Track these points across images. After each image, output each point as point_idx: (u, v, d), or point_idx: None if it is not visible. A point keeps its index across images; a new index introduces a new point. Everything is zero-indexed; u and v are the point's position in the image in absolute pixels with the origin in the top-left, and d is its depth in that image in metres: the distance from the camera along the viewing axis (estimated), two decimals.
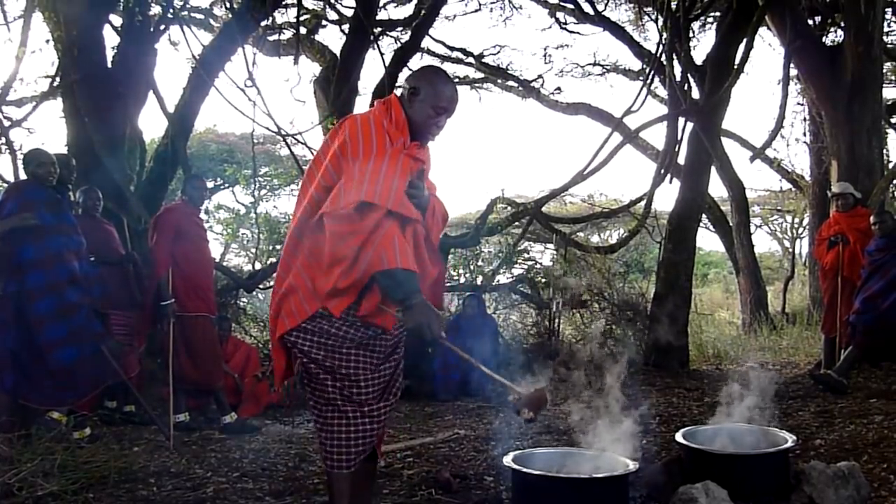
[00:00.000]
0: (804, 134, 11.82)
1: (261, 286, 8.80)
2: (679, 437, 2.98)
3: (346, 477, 2.44)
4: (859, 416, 4.56)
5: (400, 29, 11.56)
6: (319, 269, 2.33)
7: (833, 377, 5.58)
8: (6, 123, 6.92)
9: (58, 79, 7.05)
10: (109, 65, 7.02)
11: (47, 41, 7.11)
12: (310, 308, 2.36)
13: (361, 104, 9.36)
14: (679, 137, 8.11)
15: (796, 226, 19.53)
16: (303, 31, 10.21)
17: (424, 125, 2.53)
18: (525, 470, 2.44)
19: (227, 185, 17.85)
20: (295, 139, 8.70)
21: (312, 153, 10.72)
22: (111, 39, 7.25)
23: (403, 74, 12.43)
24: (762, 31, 9.83)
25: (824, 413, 4.77)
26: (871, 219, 5.91)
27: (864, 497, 2.67)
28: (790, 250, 20.13)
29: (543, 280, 8.88)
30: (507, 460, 2.53)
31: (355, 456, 2.42)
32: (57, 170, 4.43)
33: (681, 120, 8.11)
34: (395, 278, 2.21)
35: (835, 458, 3.43)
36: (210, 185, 16.01)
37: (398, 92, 2.60)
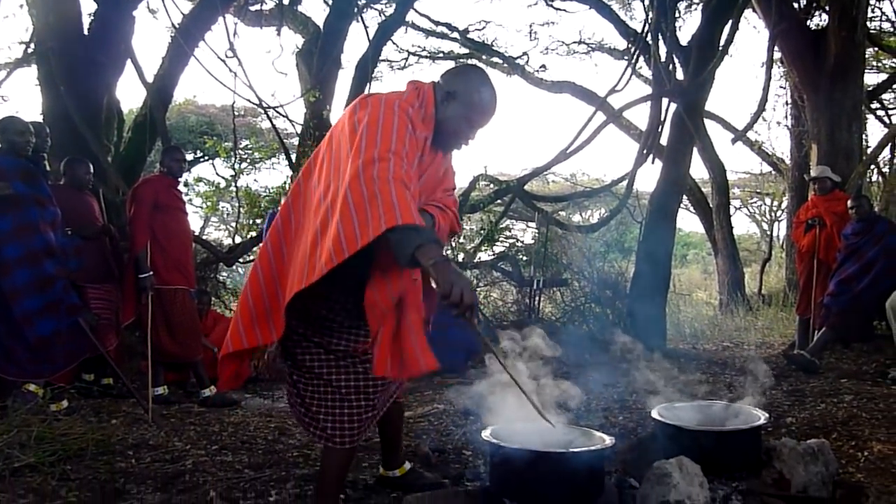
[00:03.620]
0: (785, 117, 11.92)
1: (241, 260, 8.75)
2: (655, 413, 3.02)
3: (341, 452, 2.37)
4: (830, 395, 4.66)
5: (384, 1, 11.43)
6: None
7: (806, 357, 5.69)
8: None
9: (32, 45, 6.90)
10: (86, 32, 6.87)
11: (21, 6, 6.95)
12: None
13: (344, 77, 9.26)
14: (662, 118, 8.13)
15: (775, 208, 19.75)
16: (285, 1, 10.05)
17: (453, 134, 2.30)
18: (503, 444, 2.47)
19: (206, 157, 17.66)
20: (276, 112, 8.62)
21: (294, 126, 10.65)
22: (88, 6, 7.11)
23: (387, 48, 12.31)
24: (747, 13, 9.84)
25: (796, 392, 4.86)
26: (849, 203, 5.99)
27: (833, 473, 2.73)
28: (768, 233, 20.39)
29: (524, 258, 8.92)
30: (486, 435, 2.56)
31: (350, 433, 2.35)
32: (33, 139, 4.35)
33: (664, 100, 8.12)
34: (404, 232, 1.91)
35: (805, 435, 3.50)
36: (189, 157, 15.84)
37: (434, 81, 2.32)
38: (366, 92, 9.60)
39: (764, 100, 8.18)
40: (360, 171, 1.98)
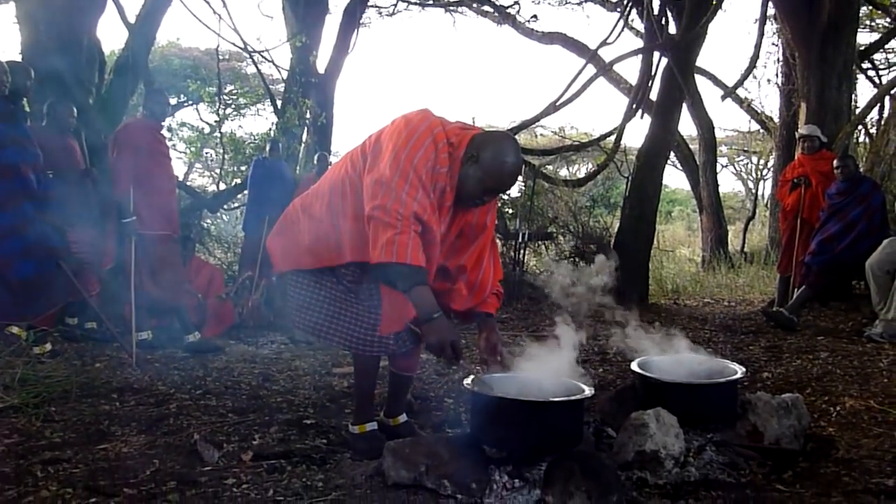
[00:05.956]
0: (776, 75, 11.85)
1: (225, 207, 8.69)
2: (634, 366, 3.06)
3: (366, 358, 2.72)
4: (806, 352, 4.75)
5: None
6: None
7: (784, 315, 5.78)
8: None
9: None
10: None
11: None
12: None
13: (331, 23, 9.07)
14: (653, 72, 8.06)
15: (761, 167, 19.81)
16: None
17: (467, 194, 2.44)
18: (484, 392, 2.50)
19: (190, 102, 17.36)
20: (262, 56, 8.45)
21: (280, 71, 10.44)
22: None
23: None
24: None
25: (773, 348, 4.95)
26: (834, 162, 6.01)
27: (805, 426, 2.80)
28: (753, 191, 20.49)
29: (510, 211, 8.92)
30: (467, 383, 2.59)
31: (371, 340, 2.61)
32: (9, 79, 4.24)
33: (655, 54, 8.04)
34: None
35: (780, 390, 3.58)
36: (173, 101, 15.54)
37: (476, 134, 2.45)
38: (354, 39, 9.38)
39: (755, 56, 8.14)
40: (379, 203, 2.28)
